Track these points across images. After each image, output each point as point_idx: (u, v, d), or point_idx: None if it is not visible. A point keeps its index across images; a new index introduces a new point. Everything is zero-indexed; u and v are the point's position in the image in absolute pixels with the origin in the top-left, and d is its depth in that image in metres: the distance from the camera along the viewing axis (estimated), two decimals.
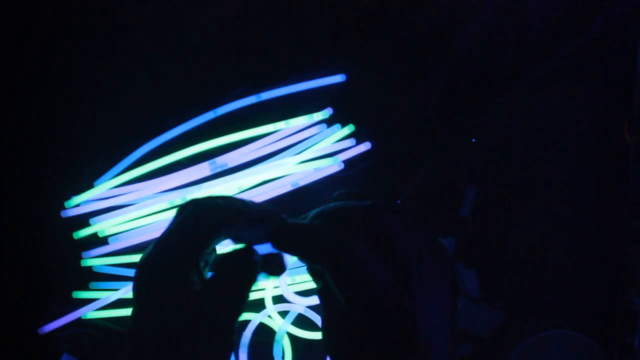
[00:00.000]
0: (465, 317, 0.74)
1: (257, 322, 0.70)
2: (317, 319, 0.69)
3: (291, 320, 0.69)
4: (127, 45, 0.72)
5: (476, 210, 0.75)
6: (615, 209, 0.74)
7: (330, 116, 0.71)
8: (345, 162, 0.70)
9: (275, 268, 0.42)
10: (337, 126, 0.71)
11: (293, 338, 0.70)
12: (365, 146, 0.71)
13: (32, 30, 0.72)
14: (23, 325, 0.70)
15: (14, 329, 0.71)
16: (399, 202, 0.73)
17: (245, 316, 0.69)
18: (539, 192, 0.75)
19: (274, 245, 0.40)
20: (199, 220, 0.39)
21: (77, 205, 0.70)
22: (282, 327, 0.69)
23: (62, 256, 0.70)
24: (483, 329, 0.74)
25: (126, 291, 0.68)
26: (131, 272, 0.69)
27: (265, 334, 0.70)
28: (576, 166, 0.75)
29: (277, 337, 0.69)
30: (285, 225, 0.40)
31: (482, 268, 0.75)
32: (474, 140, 0.75)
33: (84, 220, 0.69)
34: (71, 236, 0.70)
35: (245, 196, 0.68)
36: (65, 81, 0.72)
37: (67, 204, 0.70)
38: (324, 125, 0.71)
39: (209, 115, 0.70)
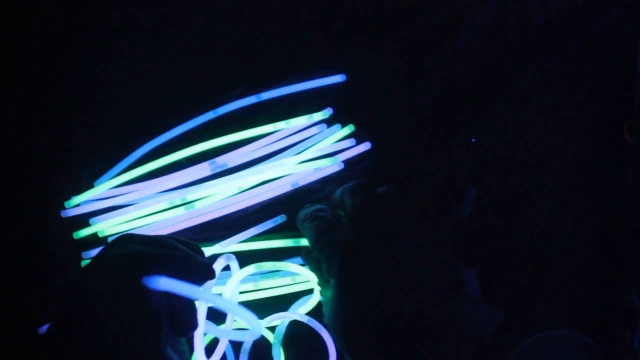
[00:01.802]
0: (465, 317, 0.74)
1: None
2: (314, 324, 0.69)
3: (286, 324, 0.69)
4: (126, 45, 0.72)
5: (476, 211, 0.75)
6: (615, 209, 0.74)
7: (330, 116, 0.71)
8: (346, 162, 0.70)
9: (183, 327, 0.43)
10: (337, 126, 0.71)
11: (290, 342, 0.70)
12: (365, 146, 0.71)
13: (32, 30, 0.72)
14: (23, 325, 0.70)
15: (13, 328, 0.71)
16: (474, 140, 0.73)
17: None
18: (539, 192, 0.75)
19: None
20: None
21: (77, 205, 0.70)
22: (279, 329, 0.69)
23: (62, 256, 0.70)
24: (483, 329, 0.74)
25: None
26: None
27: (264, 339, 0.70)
28: (576, 166, 0.75)
29: (275, 337, 0.69)
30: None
31: (482, 268, 0.75)
32: (474, 140, 0.75)
33: (84, 220, 0.69)
34: (71, 236, 0.69)
35: (245, 196, 0.68)
36: (65, 81, 0.72)
37: (67, 204, 0.70)
38: (324, 126, 0.71)
39: (209, 115, 0.70)
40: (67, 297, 0.41)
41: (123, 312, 0.40)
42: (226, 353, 0.69)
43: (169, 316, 0.43)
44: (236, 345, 0.68)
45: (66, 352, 0.39)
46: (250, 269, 0.66)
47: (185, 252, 0.46)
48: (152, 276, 0.41)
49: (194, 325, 0.45)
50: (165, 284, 0.41)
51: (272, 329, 0.70)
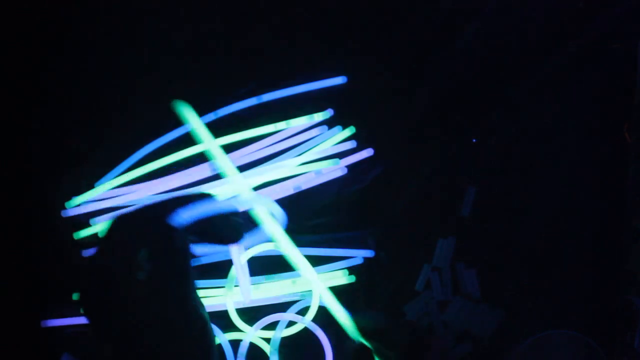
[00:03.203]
0: (465, 317, 0.74)
1: (247, 343, 0.69)
2: (310, 325, 0.69)
3: (282, 328, 0.69)
4: (128, 47, 0.72)
5: (476, 210, 0.75)
6: (615, 209, 0.74)
7: (331, 117, 0.71)
8: (348, 165, 0.69)
9: (227, 240, 0.41)
10: (338, 128, 0.71)
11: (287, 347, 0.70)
12: (367, 152, 0.70)
13: (34, 33, 0.72)
14: (23, 326, 0.70)
15: (14, 329, 0.71)
16: (474, 140, 0.73)
17: (234, 336, 0.70)
18: (539, 192, 0.75)
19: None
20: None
21: (78, 205, 0.70)
22: (276, 335, 0.69)
23: (62, 256, 0.70)
24: (483, 329, 0.74)
25: None
26: None
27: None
28: (576, 166, 0.75)
29: (271, 345, 0.69)
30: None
31: (482, 268, 0.75)
32: (474, 140, 0.75)
33: (84, 220, 0.69)
34: (71, 236, 0.70)
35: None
36: (66, 82, 0.72)
37: (67, 204, 0.70)
38: (325, 127, 0.71)
39: (210, 117, 0.70)
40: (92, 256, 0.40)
41: (147, 258, 0.38)
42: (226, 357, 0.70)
43: (211, 237, 0.41)
44: (234, 348, 0.69)
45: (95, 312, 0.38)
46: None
47: (201, 192, 0.44)
48: (173, 214, 0.39)
49: (231, 234, 0.43)
50: (187, 214, 0.40)
51: (268, 340, 0.70)
